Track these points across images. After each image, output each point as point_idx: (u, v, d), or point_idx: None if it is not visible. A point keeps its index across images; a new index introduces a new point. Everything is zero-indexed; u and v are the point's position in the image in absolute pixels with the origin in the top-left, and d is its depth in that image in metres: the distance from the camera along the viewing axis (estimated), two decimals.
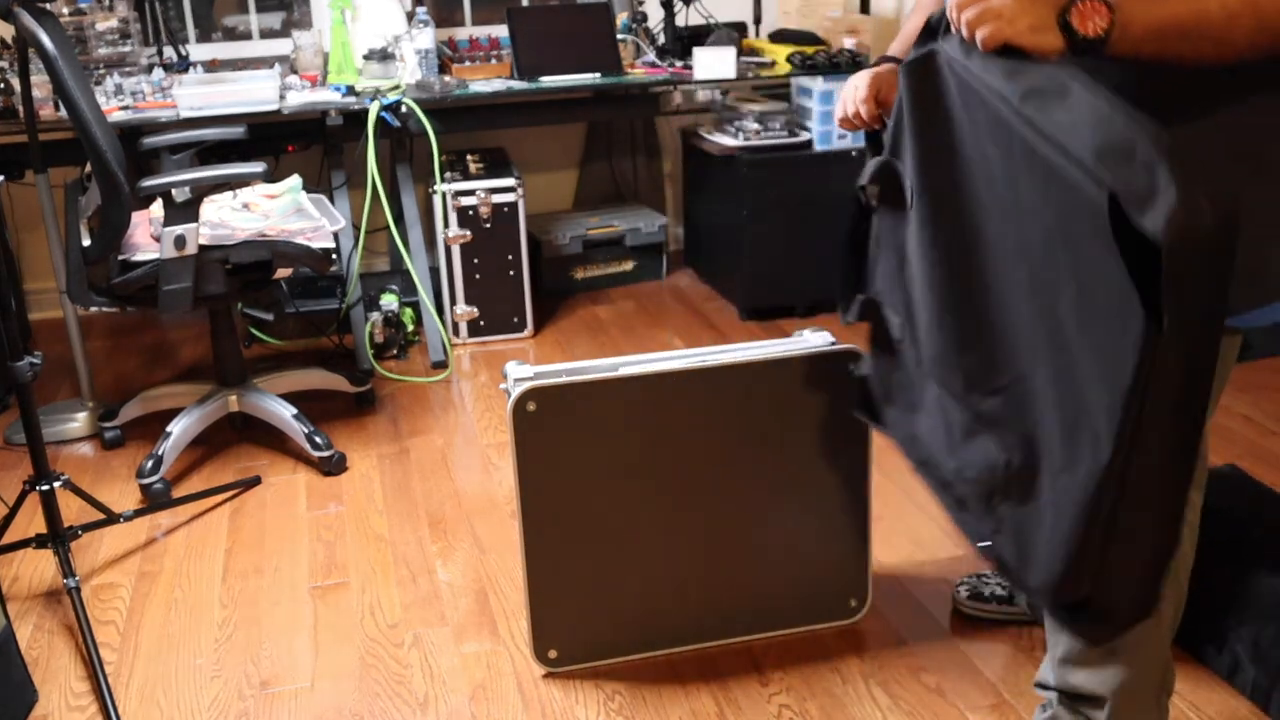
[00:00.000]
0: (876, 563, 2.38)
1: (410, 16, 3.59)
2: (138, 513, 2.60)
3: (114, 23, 3.40)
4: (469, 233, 3.56)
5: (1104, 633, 1.48)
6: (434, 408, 3.23)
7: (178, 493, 2.79)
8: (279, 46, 3.87)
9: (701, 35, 3.80)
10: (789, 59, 3.64)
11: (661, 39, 3.84)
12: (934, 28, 1.45)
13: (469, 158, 3.74)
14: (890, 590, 2.32)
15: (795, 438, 2.08)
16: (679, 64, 3.70)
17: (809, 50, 3.67)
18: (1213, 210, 1.11)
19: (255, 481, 2.83)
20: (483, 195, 3.54)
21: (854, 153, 3.66)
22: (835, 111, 1.71)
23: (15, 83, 3.09)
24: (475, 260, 3.60)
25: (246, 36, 3.95)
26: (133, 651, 2.21)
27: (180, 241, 2.59)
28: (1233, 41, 1.27)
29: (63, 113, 3.02)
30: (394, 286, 3.66)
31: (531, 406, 1.94)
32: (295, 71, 3.53)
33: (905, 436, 1.73)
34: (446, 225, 3.54)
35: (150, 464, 2.74)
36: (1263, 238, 1.35)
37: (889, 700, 2.01)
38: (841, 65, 3.61)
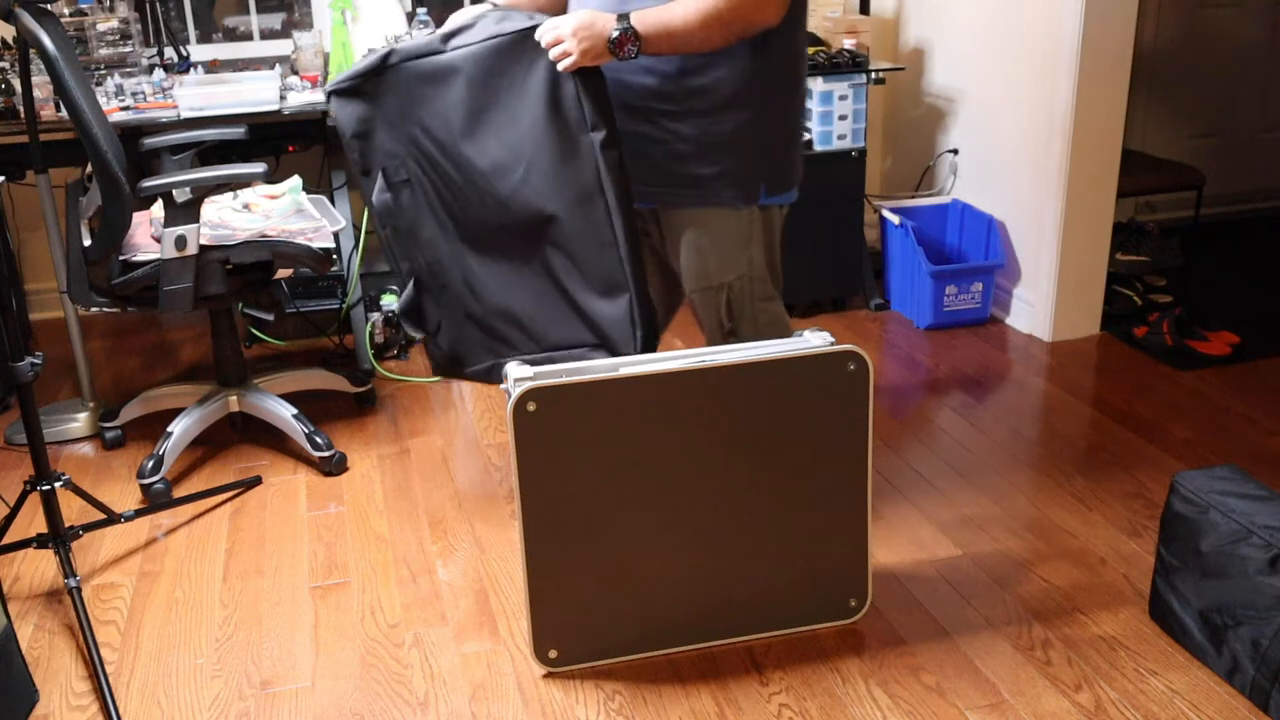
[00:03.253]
0: (876, 563, 2.38)
1: (410, 17, 3.59)
2: (138, 513, 2.61)
3: (114, 23, 3.40)
4: None
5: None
6: (434, 408, 3.23)
7: (178, 493, 2.79)
8: (279, 47, 3.87)
9: None
10: None
11: None
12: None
13: None
14: (890, 590, 2.32)
15: (795, 438, 2.08)
16: None
17: (809, 50, 3.67)
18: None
19: (256, 482, 2.84)
20: None
21: (854, 153, 3.67)
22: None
23: (16, 83, 3.10)
24: None
25: (247, 37, 3.95)
26: (133, 651, 2.22)
27: (181, 242, 2.59)
28: (709, 45, 2.08)
29: (63, 113, 3.03)
30: (394, 286, 3.66)
31: (531, 406, 1.94)
32: (296, 72, 3.53)
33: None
34: None
35: (151, 464, 2.74)
36: (771, 146, 2.22)
37: (889, 700, 2.02)
38: (841, 65, 3.62)
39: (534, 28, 2.12)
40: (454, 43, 2.20)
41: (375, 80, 2.25)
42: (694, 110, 2.16)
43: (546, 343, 2.32)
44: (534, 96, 2.14)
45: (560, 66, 2.07)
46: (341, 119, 2.29)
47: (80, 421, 3.11)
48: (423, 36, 2.31)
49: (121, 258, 2.69)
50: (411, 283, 2.36)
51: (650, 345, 2.25)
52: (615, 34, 2.03)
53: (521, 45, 2.13)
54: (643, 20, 2.04)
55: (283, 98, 3.30)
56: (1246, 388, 3.19)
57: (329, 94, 2.29)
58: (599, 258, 2.21)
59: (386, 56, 2.24)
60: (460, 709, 2.04)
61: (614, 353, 2.27)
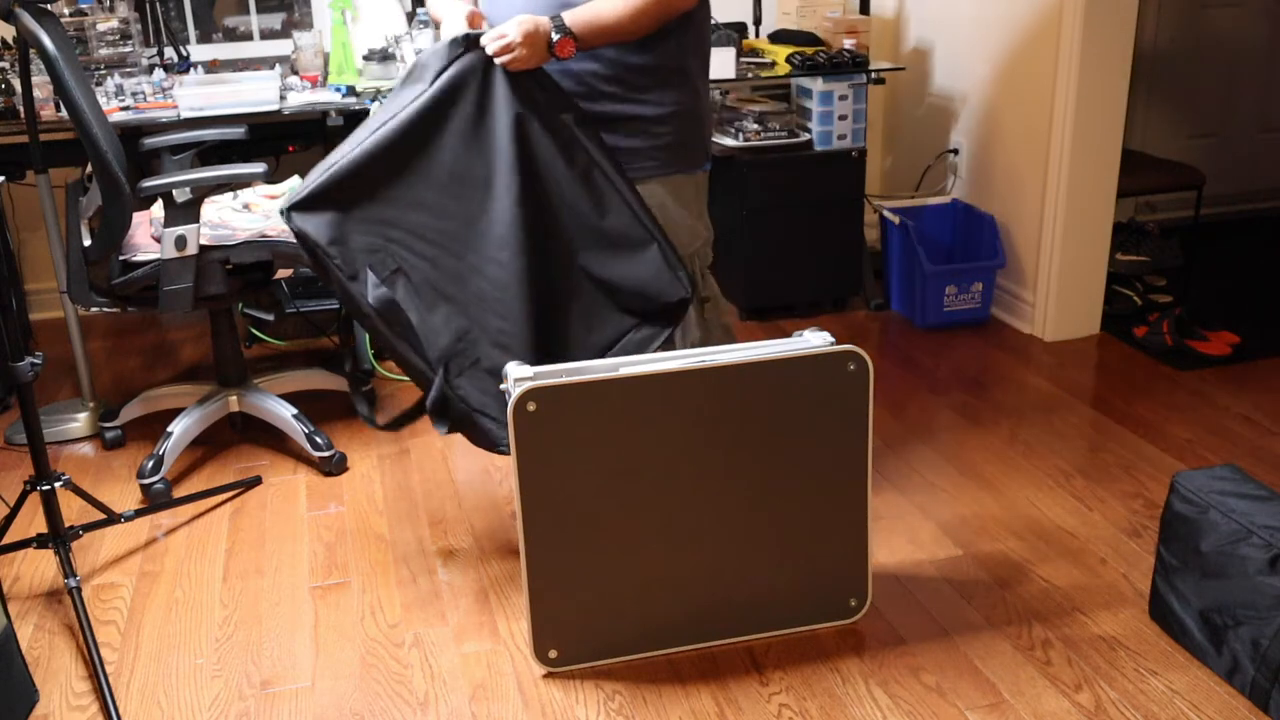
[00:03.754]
0: (876, 563, 2.38)
1: (410, 17, 3.59)
2: (138, 513, 2.61)
3: (114, 23, 3.40)
4: None
5: None
6: None
7: (178, 493, 2.79)
8: (279, 47, 3.87)
9: None
10: (789, 59, 3.64)
11: None
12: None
13: None
14: (890, 590, 2.32)
15: (795, 438, 2.08)
16: None
17: (809, 51, 3.67)
18: None
19: (256, 482, 2.84)
20: None
21: (854, 153, 3.67)
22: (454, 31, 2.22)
23: (16, 83, 3.10)
24: None
25: (247, 37, 3.95)
26: (133, 651, 2.22)
27: (181, 242, 2.59)
28: (640, 33, 2.20)
29: (63, 113, 3.03)
30: None
31: (531, 406, 1.94)
32: (296, 72, 3.53)
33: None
34: None
35: (151, 464, 2.74)
36: (700, 129, 2.38)
37: (888, 700, 2.02)
38: (841, 65, 3.62)
39: (473, 41, 2.16)
40: (407, 95, 2.17)
41: (335, 180, 2.15)
42: (639, 86, 2.27)
43: (593, 354, 2.27)
44: (503, 105, 2.17)
45: (510, 69, 2.16)
46: (311, 231, 2.15)
47: (80, 421, 3.11)
48: (375, 118, 2.20)
49: (121, 258, 2.69)
50: (440, 374, 2.24)
51: (693, 281, 2.29)
52: (556, 37, 2.13)
53: (470, 65, 2.17)
54: (575, 20, 2.15)
55: (283, 98, 3.30)
56: (1246, 388, 3.19)
57: (287, 211, 2.15)
58: (614, 224, 2.24)
59: (339, 162, 2.15)
60: (460, 709, 2.04)
61: (662, 310, 2.27)
